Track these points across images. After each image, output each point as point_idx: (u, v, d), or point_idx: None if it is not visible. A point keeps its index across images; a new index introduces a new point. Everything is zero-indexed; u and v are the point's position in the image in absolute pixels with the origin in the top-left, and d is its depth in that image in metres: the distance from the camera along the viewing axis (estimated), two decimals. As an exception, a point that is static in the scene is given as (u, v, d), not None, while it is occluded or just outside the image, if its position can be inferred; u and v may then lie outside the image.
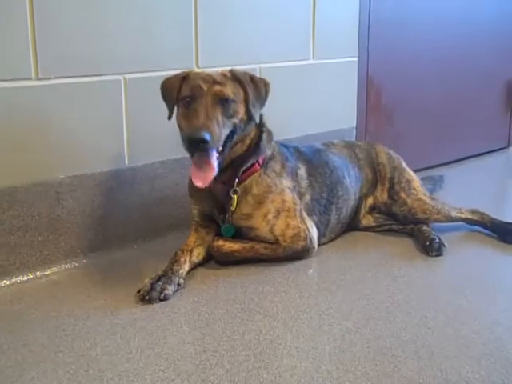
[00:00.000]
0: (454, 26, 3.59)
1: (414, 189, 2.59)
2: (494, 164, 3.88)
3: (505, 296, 2.02)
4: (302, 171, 2.37)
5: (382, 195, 2.62)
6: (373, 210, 2.64)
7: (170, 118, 2.14)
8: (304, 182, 2.35)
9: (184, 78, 2.11)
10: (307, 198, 2.34)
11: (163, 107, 2.35)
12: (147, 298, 1.92)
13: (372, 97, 3.27)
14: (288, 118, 2.82)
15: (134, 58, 2.30)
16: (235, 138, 2.09)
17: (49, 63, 2.08)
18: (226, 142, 2.04)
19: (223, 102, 2.03)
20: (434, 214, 2.53)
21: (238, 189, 2.17)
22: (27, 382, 1.52)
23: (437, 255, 2.32)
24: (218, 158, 2.01)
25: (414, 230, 2.51)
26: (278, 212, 2.19)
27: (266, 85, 2.20)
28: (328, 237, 2.45)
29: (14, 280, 2.08)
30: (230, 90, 2.06)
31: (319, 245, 2.32)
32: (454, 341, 1.71)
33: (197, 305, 1.91)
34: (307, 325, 1.81)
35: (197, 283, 2.07)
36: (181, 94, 2.09)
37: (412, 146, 3.45)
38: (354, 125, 3.22)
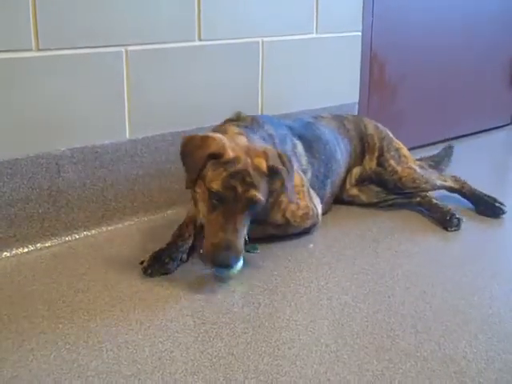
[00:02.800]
0: (461, 2, 3.55)
1: (404, 156, 2.61)
2: (498, 140, 3.85)
3: (505, 271, 2.03)
4: (300, 148, 2.35)
5: (370, 164, 2.62)
6: (363, 181, 2.63)
7: (187, 187, 1.95)
8: (304, 160, 2.34)
9: (210, 156, 1.88)
10: (308, 175, 2.34)
11: (165, 80, 2.34)
12: (149, 271, 1.92)
13: (375, 72, 3.25)
14: (290, 92, 2.81)
15: (135, 30, 2.27)
16: None
17: (49, 34, 2.06)
18: None
19: (253, 206, 1.89)
20: (423, 184, 2.54)
21: None
22: (27, 352, 1.52)
23: (455, 230, 2.33)
24: None
25: (422, 203, 2.52)
26: None
27: (291, 161, 2.05)
28: (322, 209, 2.45)
29: (14, 252, 2.09)
30: (262, 194, 1.90)
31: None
32: (452, 316, 1.72)
33: (196, 278, 1.92)
34: (306, 298, 1.81)
35: (197, 256, 2.07)
36: (207, 177, 1.87)
37: (415, 122, 3.44)
38: (357, 100, 3.20)
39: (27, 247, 2.12)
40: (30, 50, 2.04)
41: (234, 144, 1.93)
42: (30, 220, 2.13)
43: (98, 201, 2.29)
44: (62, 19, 2.08)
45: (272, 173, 1.94)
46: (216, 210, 1.86)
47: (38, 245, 2.14)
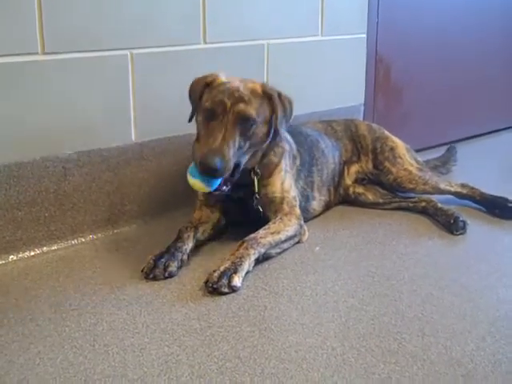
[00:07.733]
0: (465, 2, 3.54)
1: (400, 157, 2.63)
2: (506, 142, 3.83)
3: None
4: (288, 136, 2.39)
5: (367, 165, 2.67)
6: (362, 180, 2.66)
7: (189, 120, 2.13)
8: (294, 146, 2.39)
9: (208, 84, 2.09)
10: (297, 162, 2.38)
11: (170, 83, 2.35)
12: (151, 275, 1.93)
13: (381, 74, 3.25)
14: (295, 95, 2.79)
15: (140, 34, 2.28)
16: (246, 159, 2.07)
17: (55, 38, 2.07)
18: (237, 165, 2.01)
19: (244, 121, 2.00)
20: (421, 185, 2.57)
21: (258, 171, 2.17)
22: (34, 355, 1.53)
23: (461, 233, 2.32)
24: (226, 182, 2.02)
25: (427, 208, 2.50)
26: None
27: (291, 103, 2.18)
28: (318, 199, 2.48)
29: (20, 255, 2.09)
30: (253, 110, 2.02)
31: (313, 209, 2.46)
32: (459, 318, 1.71)
33: (202, 281, 1.91)
34: (312, 301, 1.81)
35: (202, 260, 2.07)
36: (202, 101, 2.06)
37: (421, 124, 3.44)
38: (363, 102, 3.20)
39: (34, 250, 2.13)
40: (36, 53, 2.04)
41: (230, 76, 2.12)
42: (36, 223, 2.13)
43: (105, 204, 2.30)
44: (67, 23, 2.09)
45: (266, 96, 2.09)
46: (209, 126, 2.00)
47: (45, 248, 2.15)
